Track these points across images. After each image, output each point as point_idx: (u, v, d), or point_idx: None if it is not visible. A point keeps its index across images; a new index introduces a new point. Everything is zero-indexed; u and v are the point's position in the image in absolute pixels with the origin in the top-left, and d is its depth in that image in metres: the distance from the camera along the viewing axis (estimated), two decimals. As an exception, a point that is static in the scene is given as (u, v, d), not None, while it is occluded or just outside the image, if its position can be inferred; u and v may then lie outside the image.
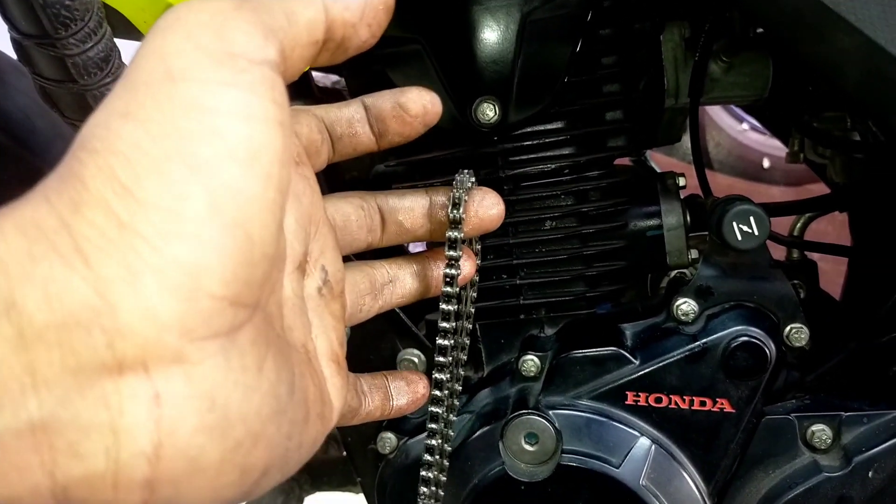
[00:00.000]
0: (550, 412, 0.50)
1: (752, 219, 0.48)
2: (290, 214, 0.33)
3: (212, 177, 0.23)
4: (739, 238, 0.48)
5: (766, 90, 0.59)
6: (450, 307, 0.40)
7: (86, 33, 0.37)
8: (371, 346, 0.57)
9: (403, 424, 0.56)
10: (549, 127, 0.53)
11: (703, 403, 0.49)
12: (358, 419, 0.40)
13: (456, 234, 0.38)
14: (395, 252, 0.45)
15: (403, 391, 0.42)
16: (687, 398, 0.49)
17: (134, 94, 0.24)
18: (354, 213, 0.40)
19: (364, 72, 0.53)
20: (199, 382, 0.23)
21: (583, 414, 0.50)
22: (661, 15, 0.56)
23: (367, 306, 0.41)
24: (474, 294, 0.45)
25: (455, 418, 0.46)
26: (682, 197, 0.57)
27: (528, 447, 0.49)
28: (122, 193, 0.23)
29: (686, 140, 0.65)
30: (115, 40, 0.42)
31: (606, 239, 0.54)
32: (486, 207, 0.40)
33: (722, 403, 0.49)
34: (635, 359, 0.50)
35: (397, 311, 0.55)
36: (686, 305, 0.50)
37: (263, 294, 0.26)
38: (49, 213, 0.22)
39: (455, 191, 0.38)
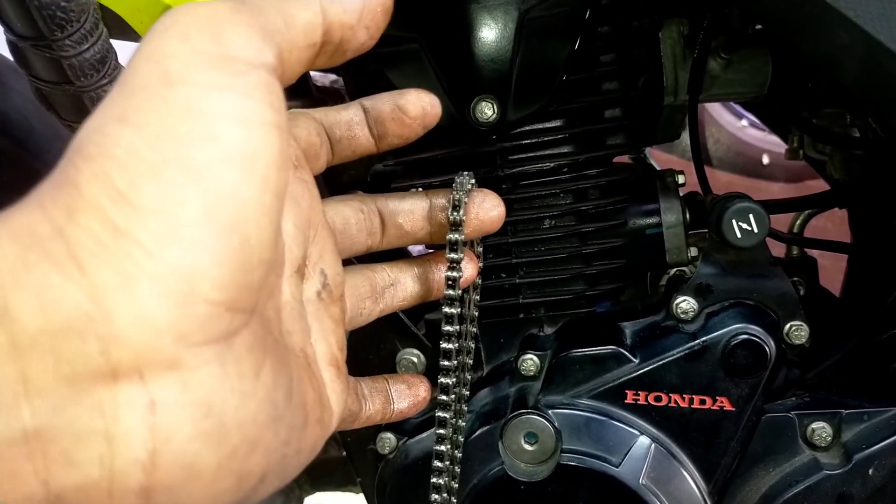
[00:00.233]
0: (550, 411, 0.50)
1: (751, 216, 0.47)
2: (289, 218, 0.33)
3: (208, 181, 0.23)
4: (739, 236, 0.48)
5: (766, 87, 0.59)
6: (453, 310, 0.40)
7: (82, 35, 0.37)
8: (370, 346, 0.57)
9: (403, 425, 0.56)
10: (547, 125, 0.53)
11: (702, 402, 0.49)
12: (359, 423, 0.40)
13: (456, 236, 0.38)
14: (396, 255, 0.45)
15: (404, 394, 0.42)
16: (687, 396, 0.49)
17: (130, 99, 0.24)
18: (354, 217, 0.40)
19: (362, 71, 0.53)
20: (195, 389, 0.23)
21: (582, 413, 0.50)
22: (659, 12, 0.56)
23: (368, 310, 0.41)
24: (477, 297, 0.45)
25: (463, 423, 0.46)
26: (681, 194, 0.56)
27: (527, 447, 0.49)
28: (118, 199, 0.22)
29: (686, 137, 0.65)
30: (112, 41, 0.42)
31: (606, 237, 0.54)
32: (486, 209, 0.40)
33: (722, 402, 0.49)
34: (635, 357, 0.50)
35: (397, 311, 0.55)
36: (685, 303, 0.50)
37: (261, 299, 0.26)
38: (43, 220, 0.22)
39: (455, 193, 0.38)
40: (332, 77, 0.73)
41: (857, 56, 0.41)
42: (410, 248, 0.68)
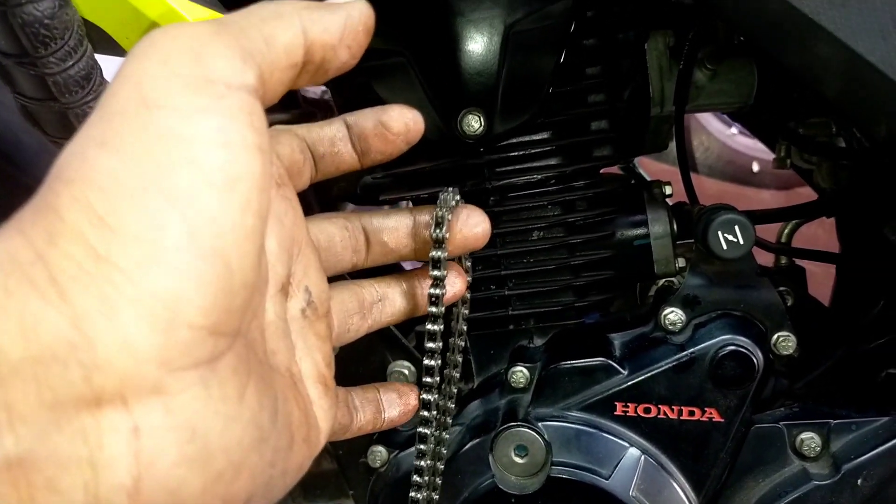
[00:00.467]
0: (540, 424, 0.50)
1: (736, 228, 0.48)
2: (272, 237, 0.33)
3: (189, 206, 0.23)
4: (725, 247, 0.48)
5: (752, 97, 0.60)
6: (435, 327, 0.40)
7: (66, 52, 0.37)
8: (361, 359, 0.57)
9: (394, 437, 0.56)
10: (534, 138, 0.53)
11: (691, 413, 0.49)
12: (350, 434, 0.40)
13: (439, 253, 0.38)
14: (384, 271, 0.44)
15: (395, 403, 0.42)
16: (675, 408, 0.49)
17: (109, 123, 0.24)
18: (339, 234, 0.40)
19: (349, 84, 0.53)
20: (179, 413, 0.23)
21: (572, 425, 0.50)
22: (645, 24, 0.57)
23: (356, 326, 0.41)
24: (466, 311, 0.45)
25: (448, 436, 0.46)
26: (669, 205, 0.57)
27: (517, 459, 0.49)
28: (99, 224, 0.22)
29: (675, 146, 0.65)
30: (97, 56, 0.42)
31: (594, 249, 0.55)
32: (470, 226, 0.39)
33: (710, 413, 0.49)
34: (624, 369, 0.50)
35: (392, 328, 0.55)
36: (673, 315, 0.50)
37: (244, 321, 0.26)
38: (24, 246, 0.22)
39: (438, 210, 0.38)
40: (322, 88, 0.73)
41: (837, 69, 0.41)
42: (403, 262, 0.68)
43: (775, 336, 0.50)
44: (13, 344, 0.21)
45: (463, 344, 0.46)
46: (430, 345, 0.40)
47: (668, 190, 0.57)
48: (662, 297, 0.54)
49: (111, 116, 0.24)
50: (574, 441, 0.50)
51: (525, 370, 0.52)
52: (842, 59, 0.40)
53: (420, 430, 0.42)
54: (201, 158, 0.24)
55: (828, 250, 0.71)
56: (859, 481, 0.48)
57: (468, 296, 0.45)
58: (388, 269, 0.46)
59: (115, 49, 0.45)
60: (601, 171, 0.58)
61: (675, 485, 0.50)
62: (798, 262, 0.72)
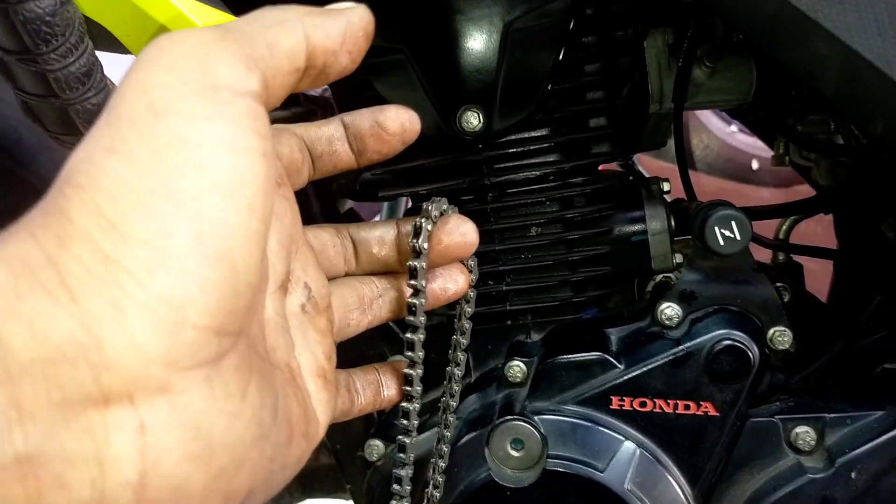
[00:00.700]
0: (536, 417, 0.50)
1: (733, 223, 0.48)
2: (272, 235, 0.33)
3: (196, 210, 0.24)
4: (722, 243, 0.48)
5: (750, 94, 0.60)
6: (414, 337, 0.39)
7: (67, 48, 0.37)
8: (359, 352, 0.57)
9: (391, 431, 0.56)
10: (533, 134, 0.53)
11: (687, 407, 0.50)
12: (350, 416, 0.41)
13: (417, 263, 0.38)
14: None
15: (393, 382, 0.42)
16: (671, 402, 0.50)
17: (117, 129, 0.24)
18: (331, 240, 0.41)
19: (349, 82, 0.54)
20: (184, 412, 0.24)
21: (568, 419, 0.51)
22: (644, 22, 0.57)
23: (356, 321, 0.41)
24: (469, 309, 0.45)
25: (448, 433, 0.46)
26: (667, 201, 0.57)
27: (513, 453, 0.49)
28: (108, 229, 0.23)
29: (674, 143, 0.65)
30: (98, 53, 0.42)
31: (591, 244, 0.55)
32: (457, 236, 0.39)
33: (706, 407, 0.49)
34: (620, 363, 0.51)
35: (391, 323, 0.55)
36: (670, 310, 0.51)
37: (247, 321, 0.26)
38: (34, 249, 0.23)
39: (418, 219, 0.38)
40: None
41: (834, 66, 0.41)
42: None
43: (771, 331, 0.50)
44: (24, 344, 0.21)
45: (466, 342, 0.46)
46: (410, 354, 0.40)
47: (665, 186, 0.57)
48: (659, 292, 0.54)
49: (119, 122, 0.25)
50: (570, 434, 0.50)
51: (522, 365, 0.53)
52: (838, 56, 0.41)
53: (400, 438, 0.42)
54: (208, 164, 0.24)
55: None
56: (853, 475, 0.48)
57: (472, 294, 0.45)
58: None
59: (116, 46, 0.45)
60: (599, 167, 0.58)
61: (670, 478, 0.50)
62: (796, 259, 0.72)
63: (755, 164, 2.26)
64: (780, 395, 0.52)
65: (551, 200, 0.54)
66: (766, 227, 0.72)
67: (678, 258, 0.55)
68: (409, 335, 0.40)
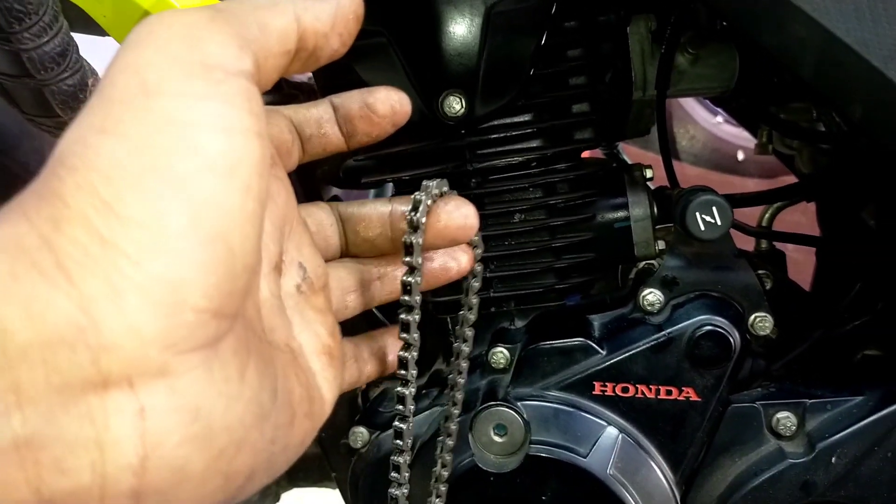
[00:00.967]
0: (519, 403, 0.50)
1: (714, 209, 0.48)
2: (266, 216, 0.33)
3: (192, 191, 0.24)
4: (702, 228, 0.48)
5: (733, 81, 0.60)
6: (409, 317, 0.38)
7: (41, 27, 0.37)
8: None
9: (375, 419, 0.56)
10: (516, 120, 0.53)
11: (668, 392, 0.50)
12: (359, 384, 0.41)
13: (413, 238, 0.36)
14: None
15: (397, 344, 0.41)
16: (653, 387, 0.50)
17: (110, 110, 0.24)
18: (327, 219, 0.40)
19: (330, 66, 0.53)
20: (183, 394, 0.24)
21: (551, 405, 0.51)
22: (626, 7, 0.57)
23: (354, 303, 0.41)
24: (477, 284, 0.44)
25: (457, 411, 0.46)
26: (650, 188, 0.57)
27: (496, 438, 0.49)
28: (103, 210, 0.23)
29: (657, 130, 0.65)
30: (74, 35, 0.42)
31: (575, 231, 0.55)
32: (456, 217, 0.38)
33: (688, 392, 0.50)
34: (602, 349, 0.51)
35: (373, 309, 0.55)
36: (652, 296, 0.51)
37: (244, 303, 0.26)
38: (30, 231, 0.22)
39: (418, 194, 0.37)
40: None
41: (814, 50, 0.41)
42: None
43: (752, 316, 0.50)
44: (21, 327, 0.21)
45: (473, 317, 0.45)
46: (405, 335, 0.39)
47: (648, 173, 0.57)
48: (642, 279, 0.54)
49: (111, 103, 0.24)
50: (553, 420, 0.50)
51: (505, 351, 0.53)
52: (818, 40, 0.41)
53: (396, 424, 0.41)
54: (202, 144, 0.24)
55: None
56: (833, 459, 0.49)
57: (479, 269, 0.43)
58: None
59: (92, 27, 0.45)
60: (583, 155, 0.58)
61: (652, 463, 0.50)
62: (780, 247, 0.73)
63: (741, 155, 2.27)
64: (761, 381, 0.53)
65: (534, 187, 0.54)
66: (751, 218, 0.72)
67: (661, 245, 0.55)
68: (403, 315, 0.38)
